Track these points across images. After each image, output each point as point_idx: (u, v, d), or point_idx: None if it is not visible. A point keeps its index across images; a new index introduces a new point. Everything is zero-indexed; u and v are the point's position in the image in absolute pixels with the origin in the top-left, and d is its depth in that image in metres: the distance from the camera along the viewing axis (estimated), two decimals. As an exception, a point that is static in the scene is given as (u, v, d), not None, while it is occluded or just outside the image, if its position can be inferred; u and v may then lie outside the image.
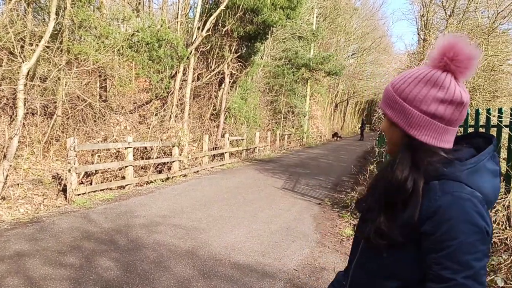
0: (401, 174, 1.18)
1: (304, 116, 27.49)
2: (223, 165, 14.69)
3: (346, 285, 1.40)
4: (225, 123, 16.90)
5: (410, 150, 1.20)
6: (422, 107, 1.18)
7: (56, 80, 10.15)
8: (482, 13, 12.40)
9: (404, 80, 1.22)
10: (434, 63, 1.20)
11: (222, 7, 13.62)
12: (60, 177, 8.87)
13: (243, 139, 17.15)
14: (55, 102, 10.47)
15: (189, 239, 5.83)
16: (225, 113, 16.69)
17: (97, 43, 10.62)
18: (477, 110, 5.70)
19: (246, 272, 4.69)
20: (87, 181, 9.47)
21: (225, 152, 15.20)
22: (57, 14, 9.54)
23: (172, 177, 11.30)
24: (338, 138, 36.41)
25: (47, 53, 9.56)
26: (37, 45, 9.07)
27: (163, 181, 10.83)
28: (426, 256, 1.11)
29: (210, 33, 14.42)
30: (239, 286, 4.30)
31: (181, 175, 11.74)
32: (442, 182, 1.14)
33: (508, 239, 4.36)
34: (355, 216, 7.50)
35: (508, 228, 4.66)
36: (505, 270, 4.01)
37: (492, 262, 4.22)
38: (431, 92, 1.17)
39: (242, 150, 17.09)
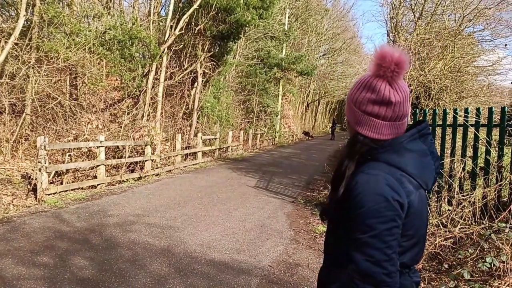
0: (342, 159, 1.49)
1: (276, 116, 27.65)
2: (196, 164, 14.66)
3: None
4: (198, 122, 16.86)
5: (352, 142, 1.49)
6: (361, 107, 1.45)
7: (25, 78, 9.94)
8: (449, 16, 12.80)
9: (354, 87, 1.50)
10: (372, 71, 1.45)
11: (195, 6, 13.60)
12: (30, 176, 8.70)
13: (216, 138, 17.16)
14: (24, 100, 10.26)
15: (164, 237, 5.84)
16: (198, 112, 16.65)
17: (68, 41, 10.45)
18: (444, 110, 5.92)
19: (222, 269, 4.74)
20: (57, 181, 9.31)
21: (198, 151, 15.18)
22: (26, 10, 9.34)
23: (145, 176, 11.23)
24: (309, 138, 36.77)
25: (16, 50, 9.36)
26: (6, 42, 8.87)
27: (135, 180, 10.75)
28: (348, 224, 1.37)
29: (183, 32, 14.37)
30: (215, 282, 4.35)
31: (153, 175, 11.67)
32: (366, 164, 1.41)
33: (474, 234, 4.55)
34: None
35: (474, 223, 4.86)
36: (471, 263, 4.19)
37: (459, 256, 4.41)
38: (367, 95, 1.44)
39: (215, 149, 17.09)
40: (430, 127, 5.83)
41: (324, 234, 6.27)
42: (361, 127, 1.45)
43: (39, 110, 10.56)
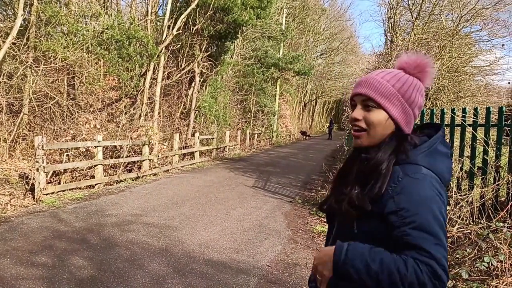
0: (382, 157, 1.37)
1: (274, 116, 27.67)
2: (193, 164, 14.66)
3: None
4: (195, 122, 16.85)
5: (396, 140, 1.40)
6: (414, 110, 1.42)
7: (23, 78, 9.91)
8: (446, 16, 12.82)
9: (402, 83, 1.41)
10: (425, 79, 1.46)
11: (192, 5, 13.60)
12: (27, 176, 8.69)
13: (213, 138, 17.15)
14: (22, 100, 10.23)
15: (163, 237, 5.84)
16: (195, 112, 16.65)
17: (65, 40, 10.42)
18: (442, 110, 5.94)
19: (220, 269, 4.75)
20: (55, 181, 9.30)
21: (196, 151, 15.18)
22: (23, 10, 9.32)
23: (143, 176, 11.22)
24: (306, 137, 36.81)
25: (14, 50, 9.33)
26: (3, 41, 8.85)
27: (133, 180, 10.74)
28: (394, 230, 1.26)
29: (180, 31, 14.36)
30: (214, 282, 4.35)
31: (151, 174, 11.67)
32: (402, 165, 1.34)
33: (472, 234, 4.56)
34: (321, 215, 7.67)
35: (471, 223, 4.88)
36: (469, 263, 4.20)
37: (457, 256, 4.42)
38: (420, 100, 1.43)
39: (213, 149, 17.09)
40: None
41: (322, 233, 6.28)
42: (408, 127, 1.42)
43: (37, 110, 10.53)
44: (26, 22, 10.19)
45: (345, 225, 1.43)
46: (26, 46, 9.89)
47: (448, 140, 6.04)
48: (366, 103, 1.42)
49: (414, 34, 11.58)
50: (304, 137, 36.67)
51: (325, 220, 7.24)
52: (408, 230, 1.22)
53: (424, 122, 6.15)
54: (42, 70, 10.13)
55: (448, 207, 5.05)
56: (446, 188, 1.43)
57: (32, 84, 10.02)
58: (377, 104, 1.39)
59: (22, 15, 8.28)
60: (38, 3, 9.96)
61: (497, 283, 3.80)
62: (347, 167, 1.56)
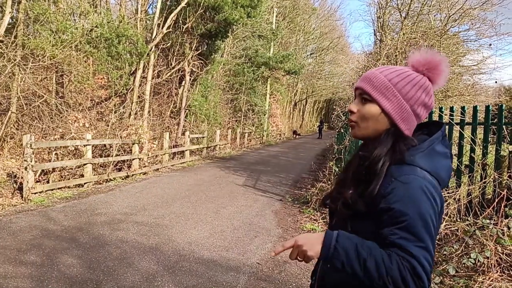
0: (378, 155, 1.37)
1: (264, 115, 27.69)
2: (183, 163, 14.63)
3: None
4: (185, 120, 16.82)
5: (392, 138, 1.39)
6: (414, 107, 1.39)
7: (11, 76, 9.82)
8: (434, 16, 12.94)
9: (401, 78, 1.40)
10: (436, 78, 1.42)
11: (183, 4, 13.57)
12: (15, 175, 8.62)
13: (203, 137, 17.14)
14: (10, 98, 10.13)
15: (153, 235, 5.83)
16: (185, 111, 16.61)
17: (54, 38, 10.33)
18: (430, 109, 5.98)
19: (210, 267, 4.75)
20: (44, 179, 9.23)
21: (186, 150, 15.15)
22: (11, 7, 9.24)
23: (132, 175, 11.18)
24: (297, 136, 36.94)
25: (1, 48, 9.24)
26: (-9, 39, 8.76)
27: (123, 179, 10.70)
28: (383, 228, 1.28)
29: (170, 30, 14.32)
30: (204, 280, 4.36)
31: (141, 173, 11.63)
32: (398, 166, 1.33)
33: (459, 231, 4.62)
34: (319, 210, 7.72)
35: (458, 220, 4.94)
36: (456, 259, 4.26)
37: (444, 252, 4.48)
38: (422, 96, 1.39)
39: (203, 148, 17.07)
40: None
41: (312, 231, 6.31)
42: (405, 124, 1.39)
43: (25, 108, 10.44)
44: (14, 19, 10.10)
45: (341, 223, 1.45)
46: (14, 44, 9.79)
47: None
48: (362, 96, 1.44)
49: (403, 34, 11.67)
50: (295, 136, 36.79)
51: (314, 218, 7.28)
52: (395, 229, 1.25)
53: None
54: (30, 68, 10.03)
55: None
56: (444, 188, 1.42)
57: (20, 82, 9.93)
58: (371, 97, 1.40)
59: (10, 12, 8.20)
60: (26, 1, 9.87)
61: (483, 279, 3.85)
62: (350, 164, 1.57)
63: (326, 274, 1.51)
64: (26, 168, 7.81)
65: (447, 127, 5.76)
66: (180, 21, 14.80)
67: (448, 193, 5.25)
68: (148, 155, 12.19)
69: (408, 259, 1.21)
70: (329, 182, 9.24)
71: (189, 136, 15.39)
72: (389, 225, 1.26)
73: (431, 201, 1.27)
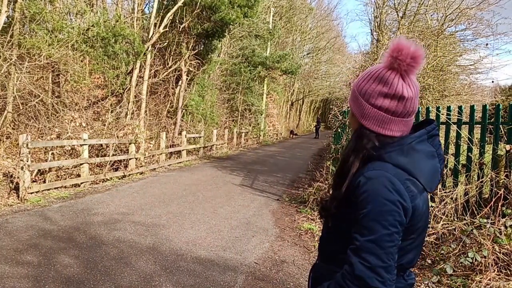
0: (346, 154, 1.44)
1: (261, 114, 27.67)
2: (180, 162, 14.61)
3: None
4: (182, 120, 16.78)
5: (358, 137, 1.43)
6: (371, 100, 1.39)
7: (7, 75, 9.77)
8: (431, 15, 12.99)
9: (363, 77, 1.43)
10: (385, 63, 1.39)
11: (179, 3, 13.54)
12: (12, 175, 8.57)
13: (200, 137, 17.11)
14: (6, 98, 10.08)
15: (150, 235, 5.82)
16: (182, 111, 16.58)
17: (50, 38, 10.29)
18: (427, 108, 6.01)
19: (208, 266, 4.75)
20: (40, 179, 9.19)
21: (183, 150, 15.13)
22: (7, 6, 9.19)
23: (129, 174, 11.15)
24: (293, 136, 36.96)
25: (-3, 47, 9.20)
26: (-14, 38, 8.71)
27: (119, 178, 10.68)
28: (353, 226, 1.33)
29: (167, 29, 14.30)
30: (201, 279, 4.35)
31: (138, 173, 11.60)
32: (373, 162, 1.36)
33: (456, 230, 4.63)
34: (316, 209, 7.72)
35: (456, 219, 4.95)
36: (454, 258, 4.27)
37: (442, 252, 4.49)
38: (377, 87, 1.37)
39: (200, 147, 17.05)
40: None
41: (309, 231, 6.32)
42: (368, 120, 1.38)
43: (21, 108, 10.39)
44: (10, 19, 10.05)
45: (325, 222, 1.56)
46: (10, 43, 9.75)
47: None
48: None
49: (400, 33, 11.70)
50: (291, 135, 36.82)
51: (312, 218, 7.29)
52: (354, 223, 1.30)
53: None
54: (27, 67, 9.99)
55: (433, 204, 5.12)
56: (435, 188, 1.43)
57: (16, 81, 9.88)
58: (348, 104, 1.51)
59: (6, 11, 8.16)
60: (22, 0, 9.82)
61: (481, 278, 3.86)
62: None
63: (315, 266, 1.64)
64: (22, 168, 7.78)
65: (442, 126, 5.78)
66: (177, 21, 14.78)
67: (445, 192, 5.27)
68: (145, 154, 12.16)
69: (347, 268, 1.27)
70: (326, 182, 9.24)
71: (186, 135, 15.37)
72: (354, 223, 1.31)
73: (395, 196, 1.26)
